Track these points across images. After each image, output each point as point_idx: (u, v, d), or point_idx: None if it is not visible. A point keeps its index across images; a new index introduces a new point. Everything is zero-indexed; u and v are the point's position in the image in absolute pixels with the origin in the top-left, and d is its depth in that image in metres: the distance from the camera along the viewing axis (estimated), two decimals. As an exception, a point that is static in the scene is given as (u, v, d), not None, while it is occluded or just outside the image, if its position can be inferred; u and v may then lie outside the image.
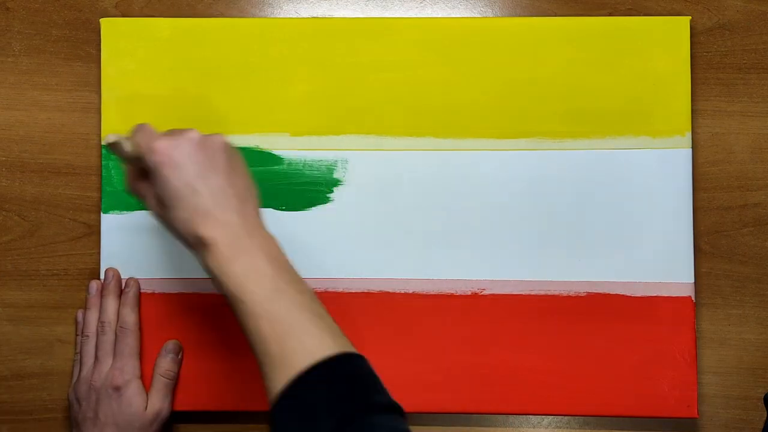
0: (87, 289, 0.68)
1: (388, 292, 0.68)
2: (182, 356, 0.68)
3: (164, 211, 0.55)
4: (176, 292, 0.68)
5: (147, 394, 0.65)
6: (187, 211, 0.53)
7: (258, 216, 0.55)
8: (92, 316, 0.67)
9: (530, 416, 0.69)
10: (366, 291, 0.68)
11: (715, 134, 0.69)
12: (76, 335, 0.68)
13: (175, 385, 0.67)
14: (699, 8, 0.70)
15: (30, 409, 0.70)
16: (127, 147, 0.56)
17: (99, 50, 0.69)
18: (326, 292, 0.68)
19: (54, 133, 0.70)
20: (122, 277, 0.68)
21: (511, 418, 0.69)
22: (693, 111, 0.68)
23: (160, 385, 0.66)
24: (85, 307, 0.68)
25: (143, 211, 0.68)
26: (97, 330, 0.66)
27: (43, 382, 0.69)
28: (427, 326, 0.67)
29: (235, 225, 0.53)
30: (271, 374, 0.49)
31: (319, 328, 0.50)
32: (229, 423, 0.69)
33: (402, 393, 0.66)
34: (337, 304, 0.67)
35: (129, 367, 0.65)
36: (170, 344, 0.67)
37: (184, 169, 0.53)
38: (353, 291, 0.68)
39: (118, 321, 0.66)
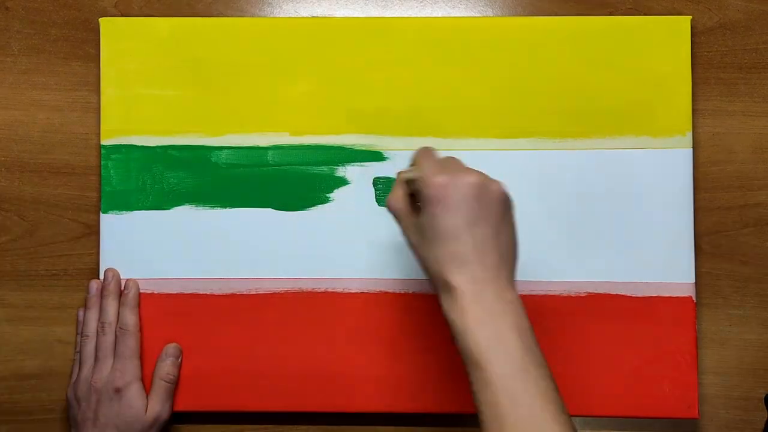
0: (87, 289, 0.68)
1: (387, 292, 0.68)
2: (182, 359, 0.67)
3: (420, 240, 0.53)
4: (176, 292, 0.68)
5: (147, 397, 0.65)
6: (445, 254, 0.51)
7: (512, 277, 0.53)
8: (92, 316, 0.67)
9: (530, 416, 0.69)
10: (366, 291, 0.68)
11: (716, 134, 0.69)
12: (77, 334, 0.68)
13: (174, 389, 0.67)
14: (700, 8, 0.70)
15: (29, 410, 0.69)
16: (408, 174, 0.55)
17: (98, 50, 0.69)
18: (326, 292, 0.68)
19: (53, 133, 0.70)
20: (122, 277, 0.68)
21: (512, 418, 0.69)
22: (694, 111, 0.68)
23: (160, 388, 0.66)
24: (84, 307, 0.68)
25: (143, 211, 0.68)
26: (97, 330, 0.66)
27: (43, 383, 0.69)
28: (427, 326, 0.67)
29: (488, 282, 0.51)
30: None
31: (560, 424, 0.49)
32: (229, 423, 0.69)
33: (402, 393, 0.67)
34: (337, 304, 0.67)
35: (129, 368, 0.65)
36: (170, 348, 0.67)
37: (455, 212, 0.51)
38: (353, 291, 0.68)
39: (118, 322, 0.66)
